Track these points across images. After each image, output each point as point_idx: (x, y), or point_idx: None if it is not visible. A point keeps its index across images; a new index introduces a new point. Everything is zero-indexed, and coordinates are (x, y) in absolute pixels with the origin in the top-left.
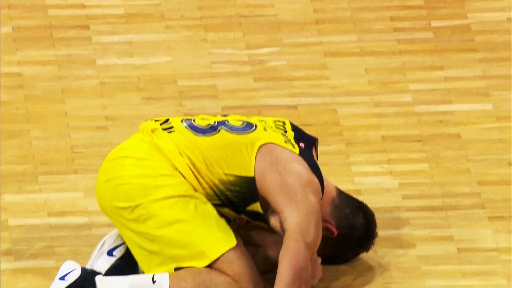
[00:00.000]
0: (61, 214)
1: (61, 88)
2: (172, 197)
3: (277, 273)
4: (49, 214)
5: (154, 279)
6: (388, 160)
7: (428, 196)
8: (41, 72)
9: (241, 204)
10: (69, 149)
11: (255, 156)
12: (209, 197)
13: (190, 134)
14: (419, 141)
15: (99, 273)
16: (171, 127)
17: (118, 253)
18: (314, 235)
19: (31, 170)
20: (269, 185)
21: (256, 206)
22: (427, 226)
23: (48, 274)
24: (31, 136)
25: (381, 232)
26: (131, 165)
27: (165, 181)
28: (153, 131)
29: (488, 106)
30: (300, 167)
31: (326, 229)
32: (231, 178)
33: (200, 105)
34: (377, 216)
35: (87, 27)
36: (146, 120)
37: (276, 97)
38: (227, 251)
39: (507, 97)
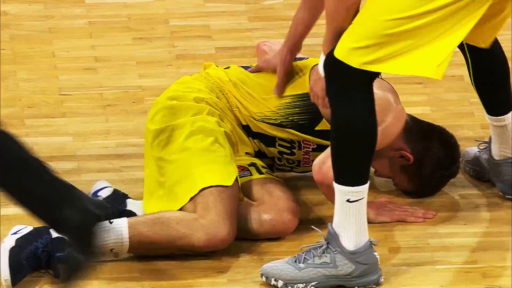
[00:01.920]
0: (49, 159)
1: (48, 28)
2: (195, 125)
3: None
4: None
5: (111, 221)
6: None
7: None
8: (27, 11)
9: (309, 125)
10: (57, 91)
11: (309, 73)
12: (270, 120)
13: (245, 71)
14: (420, 83)
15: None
16: (227, 67)
17: (104, 194)
18: None
19: (17, 113)
20: None
21: (325, 125)
22: None
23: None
24: (17, 78)
25: (380, 179)
26: (172, 89)
27: (197, 104)
28: (205, 67)
29: None
30: None
31: (401, 157)
32: (288, 100)
33: (193, 45)
34: None
35: None
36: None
37: (271, 38)
38: (216, 186)
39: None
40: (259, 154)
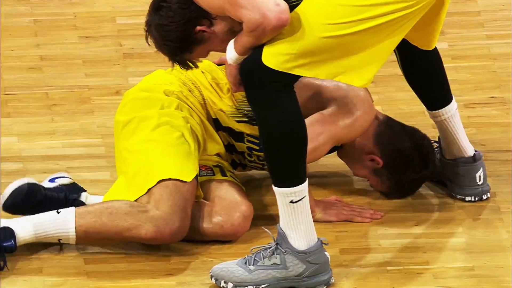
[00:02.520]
0: None
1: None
2: (162, 119)
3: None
4: None
5: (59, 211)
6: None
7: None
8: None
9: None
10: (1, 90)
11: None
12: (235, 115)
13: (214, 65)
14: (372, 82)
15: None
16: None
17: (61, 181)
18: None
19: None
20: None
21: None
22: None
23: None
24: None
25: (331, 179)
26: (143, 80)
27: (167, 97)
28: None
29: (444, 45)
30: None
31: (372, 160)
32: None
33: (141, 44)
34: None
35: None
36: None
37: None
38: (174, 180)
39: (464, 35)
40: (229, 148)
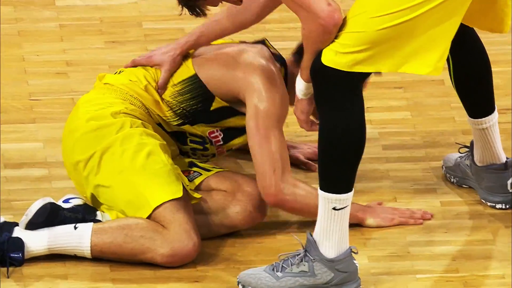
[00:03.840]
0: (19, 166)
1: (17, 31)
2: (124, 142)
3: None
4: (5, 166)
5: (76, 226)
6: (367, 108)
7: (410, 146)
8: None
9: (204, 109)
10: (27, 96)
11: (191, 59)
12: (173, 119)
13: (139, 68)
14: (400, 87)
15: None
16: (120, 71)
17: (75, 201)
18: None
19: None
20: (210, 71)
21: (219, 102)
22: (409, 178)
23: None
24: None
25: (359, 184)
26: (83, 111)
27: (117, 119)
28: (100, 78)
29: None
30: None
31: None
32: (178, 87)
33: None
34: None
35: None
36: (109, 65)
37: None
38: (169, 201)
39: (495, 40)
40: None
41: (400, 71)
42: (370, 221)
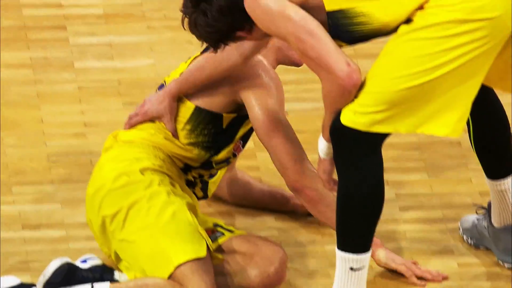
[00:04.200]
0: (37, 227)
1: (36, 93)
2: (152, 199)
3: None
4: (23, 227)
5: (94, 286)
6: (385, 169)
7: (427, 207)
8: (15, 75)
9: (218, 129)
10: (45, 157)
11: (185, 97)
12: (201, 157)
13: (151, 125)
14: (417, 149)
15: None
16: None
17: (92, 262)
18: None
19: (4, 180)
20: (206, 96)
21: (227, 117)
22: (426, 239)
23: None
24: (4, 144)
25: None
26: (109, 169)
27: (145, 176)
28: (115, 136)
29: None
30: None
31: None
32: (188, 127)
33: None
34: None
35: (64, 28)
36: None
37: None
38: (192, 260)
39: (507, 101)
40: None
41: (418, 132)
42: (381, 254)
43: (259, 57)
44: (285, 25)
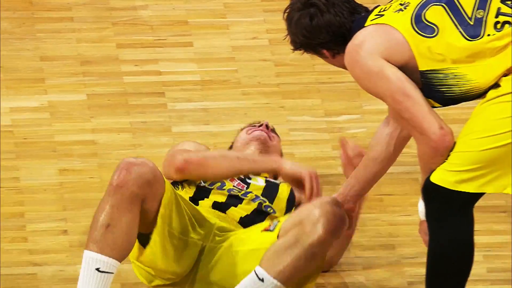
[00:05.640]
0: None
1: (136, 156)
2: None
3: None
4: None
5: None
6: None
7: None
8: (116, 139)
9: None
10: None
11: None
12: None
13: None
14: (504, 212)
15: None
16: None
17: None
18: None
19: None
20: None
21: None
22: None
23: None
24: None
25: None
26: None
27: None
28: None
29: None
30: None
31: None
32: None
33: None
34: None
35: (162, 94)
36: None
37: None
38: None
39: None
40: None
41: (505, 192)
42: (287, 165)
43: None
44: (382, 85)
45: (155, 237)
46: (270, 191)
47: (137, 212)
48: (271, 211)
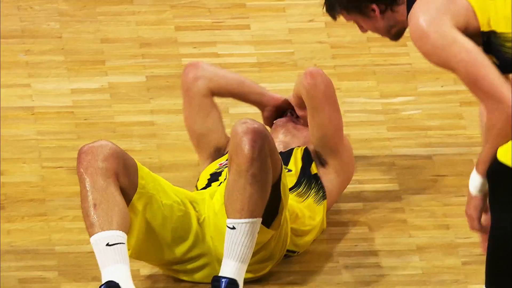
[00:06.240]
0: None
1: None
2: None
3: None
4: None
5: None
6: None
7: None
8: (174, 120)
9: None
10: None
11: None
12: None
13: None
14: None
15: None
16: None
17: None
18: None
19: None
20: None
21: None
22: None
23: None
24: None
25: None
26: None
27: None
28: None
29: None
30: None
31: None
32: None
33: None
34: None
35: None
36: None
37: (410, 147)
38: None
39: None
40: None
41: None
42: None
43: None
44: (455, 56)
45: (134, 232)
46: (284, 156)
47: (114, 183)
48: (286, 171)
